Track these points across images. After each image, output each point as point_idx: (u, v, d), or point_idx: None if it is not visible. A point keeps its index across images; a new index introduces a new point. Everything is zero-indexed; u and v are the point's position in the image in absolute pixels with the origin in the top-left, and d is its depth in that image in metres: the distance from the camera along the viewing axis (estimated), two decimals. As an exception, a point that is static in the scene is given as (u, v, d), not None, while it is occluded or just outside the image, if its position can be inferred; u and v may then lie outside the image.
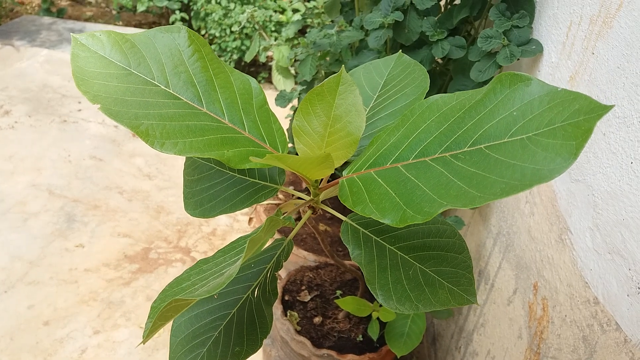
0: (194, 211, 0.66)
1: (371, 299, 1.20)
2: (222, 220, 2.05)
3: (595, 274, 0.71)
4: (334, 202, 1.52)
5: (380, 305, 1.15)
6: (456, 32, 1.15)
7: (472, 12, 1.06)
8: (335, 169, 0.57)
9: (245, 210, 2.07)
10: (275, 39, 2.86)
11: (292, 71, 2.38)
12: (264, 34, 2.27)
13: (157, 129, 0.51)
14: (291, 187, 1.64)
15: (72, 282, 1.72)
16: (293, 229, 0.67)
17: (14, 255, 1.80)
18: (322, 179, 0.64)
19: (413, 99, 0.63)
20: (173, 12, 3.42)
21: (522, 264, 0.94)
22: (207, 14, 3.08)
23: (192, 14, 3.22)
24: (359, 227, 0.62)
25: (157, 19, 3.96)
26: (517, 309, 0.95)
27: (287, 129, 1.55)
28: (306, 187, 1.64)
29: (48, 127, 2.53)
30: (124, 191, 2.15)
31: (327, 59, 1.45)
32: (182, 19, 3.36)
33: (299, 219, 1.41)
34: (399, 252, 0.60)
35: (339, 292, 1.27)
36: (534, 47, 0.93)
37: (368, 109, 0.67)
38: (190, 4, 3.23)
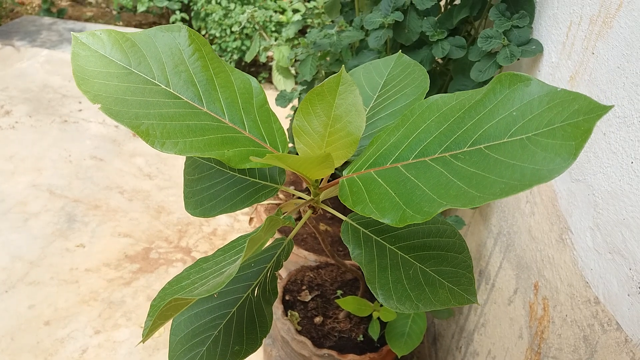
0: (194, 210, 0.66)
1: (372, 298, 1.20)
2: (223, 220, 2.05)
3: (596, 274, 0.71)
4: (335, 201, 1.52)
5: (381, 305, 1.15)
6: (456, 32, 1.15)
7: (472, 12, 1.06)
8: (336, 169, 0.57)
9: (246, 210, 2.07)
10: (276, 39, 2.86)
11: (293, 71, 2.38)
12: (264, 34, 2.27)
13: (157, 128, 0.51)
14: (291, 187, 1.64)
15: (73, 282, 1.72)
16: (293, 228, 0.67)
17: (14, 255, 1.80)
18: (322, 179, 0.64)
19: (413, 99, 0.63)
20: (173, 12, 3.42)
21: (523, 263, 0.94)
22: (207, 14, 3.08)
23: (192, 14, 3.23)
24: (359, 226, 0.62)
25: (158, 19, 3.96)
26: (517, 309, 0.95)
27: (287, 129, 1.55)
28: (306, 187, 1.64)
29: (48, 127, 2.53)
30: (124, 191, 2.16)
31: (328, 59, 1.45)
32: (183, 19, 3.36)
33: (299, 218, 1.41)
34: (399, 252, 0.60)
35: (339, 292, 1.27)
36: (534, 47, 0.93)
37: (368, 109, 0.67)
38: (191, 4, 3.23)
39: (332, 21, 1.61)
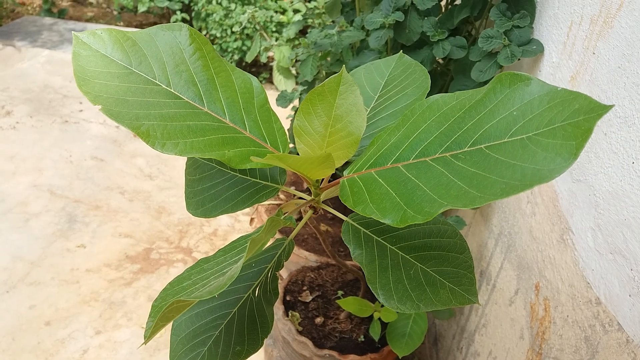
0: (195, 211, 0.66)
1: (373, 299, 1.20)
2: (224, 220, 2.05)
3: (597, 274, 0.71)
4: (335, 202, 1.52)
5: (382, 306, 1.15)
6: (457, 32, 1.15)
7: (473, 12, 1.06)
8: (336, 169, 0.57)
9: (247, 210, 2.07)
10: (276, 40, 2.86)
11: (293, 71, 2.38)
12: (264, 34, 2.27)
13: (158, 129, 0.51)
14: (292, 187, 1.64)
15: (74, 283, 1.72)
16: (294, 228, 0.66)
17: (15, 255, 1.80)
18: (323, 179, 0.64)
19: (414, 99, 0.63)
20: (174, 12, 3.42)
21: (524, 264, 0.94)
22: (208, 15, 3.08)
23: (193, 14, 3.23)
24: (360, 227, 0.62)
25: (158, 19, 3.97)
26: (518, 310, 0.95)
27: (288, 129, 1.55)
28: (307, 187, 1.64)
29: (49, 128, 2.53)
30: (125, 191, 2.16)
31: (328, 59, 1.45)
32: (183, 20, 3.36)
33: (300, 219, 1.41)
34: (400, 252, 0.59)
35: (340, 292, 1.27)
36: (534, 47, 0.93)
37: (369, 109, 0.67)
38: (191, 4, 3.23)
39: (333, 21, 1.61)
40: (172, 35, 0.58)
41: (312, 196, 0.64)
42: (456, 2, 1.16)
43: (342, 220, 0.64)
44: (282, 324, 1.18)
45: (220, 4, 3.03)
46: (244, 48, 3.00)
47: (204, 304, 0.63)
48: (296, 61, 2.03)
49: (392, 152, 0.50)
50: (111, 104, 0.51)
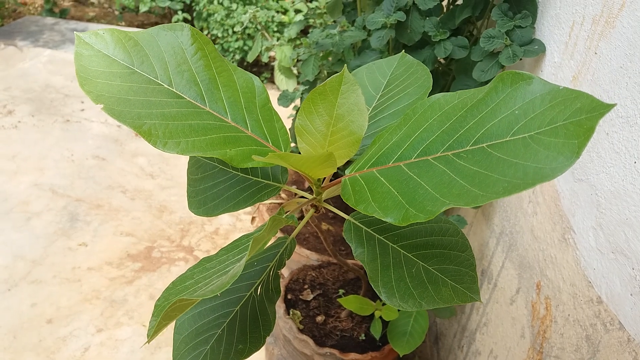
0: (197, 210, 0.66)
1: (374, 298, 1.20)
2: (225, 219, 2.06)
3: (599, 274, 0.71)
4: (336, 201, 1.52)
5: (383, 304, 1.15)
6: (458, 32, 1.15)
7: (475, 12, 1.06)
8: (338, 168, 0.57)
9: (248, 209, 2.08)
10: (278, 39, 2.86)
11: (295, 71, 2.38)
12: (266, 34, 2.27)
13: (159, 128, 0.51)
14: (294, 186, 1.64)
15: (75, 281, 1.73)
16: (296, 227, 0.67)
17: (17, 254, 1.81)
18: (324, 178, 0.64)
19: (416, 99, 0.63)
20: (175, 12, 3.42)
21: (525, 263, 0.94)
22: (209, 15, 3.08)
23: (194, 14, 3.23)
24: (361, 225, 0.63)
25: (160, 19, 3.97)
26: (520, 308, 0.95)
27: (289, 129, 1.55)
28: (309, 186, 1.64)
29: (51, 127, 2.53)
30: (126, 190, 2.16)
31: (330, 59, 1.45)
32: (185, 20, 3.37)
33: (301, 218, 1.41)
34: (402, 251, 0.60)
35: (341, 291, 1.28)
36: (536, 47, 0.93)
37: (371, 109, 0.67)
38: (193, 4, 3.23)
39: (334, 21, 1.61)
40: (174, 35, 0.58)
41: (314, 195, 0.64)
42: (458, 2, 1.16)
43: (343, 220, 0.64)
44: (284, 323, 1.18)
45: (221, 4, 3.03)
46: (246, 48, 3.00)
47: (207, 302, 0.63)
48: (298, 61, 2.03)
49: (394, 151, 0.50)
50: (113, 103, 0.51)
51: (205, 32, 3.16)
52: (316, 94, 0.52)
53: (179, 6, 3.30)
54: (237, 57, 3.03)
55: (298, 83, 2.32)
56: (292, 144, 1.43)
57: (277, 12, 3.09)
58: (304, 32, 3.02)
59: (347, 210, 0.66)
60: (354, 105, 0.52)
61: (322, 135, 0.54)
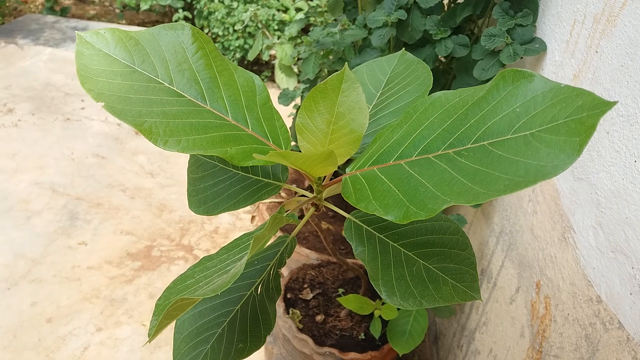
0: (197, 209, 0.66)
1: (373, 297, 1.20)
2: (225, 218, 2.06)
3: (598, 273, 0.71)
4: (336, 200, 1.52)
5: (383, 303, 1.15)
6: (459, 30, 1.15)
7: (476, 11, 1.06)
8: (338, 167, 0.57)
9: (248, 208, 2.08)
10: (278, 38, 2.86)
11: (295, 70, 2.38)
12: (267, 32, 2.27)
13: (160, 126, 0.51)
14: (294, 185, 1.64)
15: (75, 280, 1.73)
16: (296, 226, 0.67)
17: (17, 253, 1.81)
18: (325, 177, 0.64)
19: (416, 97, 0.63)
20: (176, 10, 3.42)
21: (525, 262, 0.94)
22: (210, 13, 3.08)
23: (195, 12, 3.23)
24: (362, 224, 0.63)
25: (160, 17, 3.97)
26: (519, 308, 0.95)
27: (290, 127, 1.55)
28: (309, 185, 1.64)
29: (51, 125, 2.53)
30: (126, 189, 2.16)
31: (330, 57, 1.45)
32: (185, 18, 3.37)
33: (301, 216, 1.41)
34: (403, 249, 0.60)
35: (341, 290, 1.28)
36: (537, 45, 0.93)
37: (371, 107, 0.67)
38: (193, 2, 3.23)
39: (335, 20, 1.60)
40: (175, 34, 0.58)
41: (314, 193, 0.64)
42: (459, 1, 1.16)
43: (343, 219, 0.64)
44: (283, 322, 1.18)
45: (222, 2, 3.03)
46: (246, 46, 3.00)
47: (207, 301, 0.63)
48: (298, 59, 2.03)
49: (395, 149, 0.50)
50: (114, 101, 0.51)
51: (206, 30, 3.16)
52: (317, 92, 0.52)
53: (179, 4, 3.30)
54: (238, 55, 3.03)
55: (298, 81, 2.32)
56: (293, 143, 1.43)
57: (278, 10, 3.09)
58: (305, 30, 3.03)
59: (348, 208, 0.66)
60: (354, 103, 0.52)
61: (323, 133, 0.54)
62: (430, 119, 0.49)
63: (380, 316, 1.13)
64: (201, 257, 0.55)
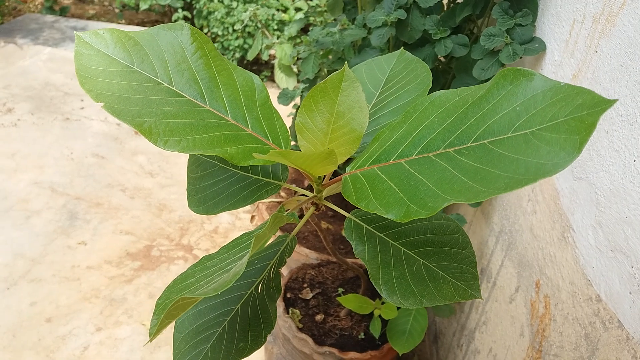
0: (197, 208, 0.66)
1: (373, 296, 1.20)
2: (224, 218, 2.06)
3: (598, 272, 0.72)
4: (336, 200, 1.52)
5: (383, 303, 1.15)
6: (459, 30, 1.15)
7: (475, 11, 1.06)
8: (338, 166, 0.57)
9: (248, 208, 2.08)
10: (278, 38, 2.86)
11: (295, 69, 2.38)
12: (266, 32, 2.27)
13: (160, 126, 0.51)
14: (293, 185, 1.64)
15: (75, 280, 1.73)
16: (296, 225, 0.67)
17: (16, 252, 1.81)
18: (325, 176, 0.64)
19: (416, 96, 0.63)
20: (175, 10, 3.42)
21: (524, 261, 0.94)
22: (209, 13, 3.08)
23: (194, 12, 3.23)
24: (362, 223, 0.63)
25: (160, 17, 3.97)
26: (519, 307, 0.95)
27: (289, 127, 1.55)
28: (309, 185, 1.64)
29: (51, 125, 2.53)
30: (126, 189, 2.16)
31: (330, 57, 1.45)
32: (185, 18, 3.36)
33: (301, 216, 1.41)
34: (403, 248, 0.60)
35: (341, 289, 1.28)
36: (536, 45, 0.93)
37: (370, 106, 0.67)
38: (193, 2, 3.23)
39: (335, 19, 1.60)
40: (174, 34, 0.58)
41: (314, 193, 0.64)
42: (458, 0, 1.16)
43: (343, 219, 0.64)
44: (283, 321, 1.18)
45: (221, 1, 3.03)
46: (246, 46, 3.00)
47: (207, 301, 0.63)
48: (298, 59, 2.03)
49: (395, 148, 0.50)
50: (113, 101, 0.51)
51: (206, 30, 3.16)
52: (317, 92, 0.52)
53: (179, 4, 3.30)
54: (237, 55, 3.03)
55: (298, 81, 2.32)
56: (293, 142, 1.43)
57: (278, 10, 3.08)
58: (304, 30, 3.02)
59: (347, 208, 0.66)
60: (354, 102, 0.52)
61: (323, 132, 0.54)
62: (430, 118, 0.49)
63: (380, 316, 1.13)
64: (202, 257, 0.55)
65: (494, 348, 1.05)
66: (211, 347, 0.60)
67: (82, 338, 1.54)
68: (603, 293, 0.70)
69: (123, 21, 3.97)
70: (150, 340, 0.44)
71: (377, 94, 0.68)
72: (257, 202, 1.59)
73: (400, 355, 1.12)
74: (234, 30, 2.99)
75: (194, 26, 0.62)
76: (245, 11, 2.86)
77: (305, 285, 1.29)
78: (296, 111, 1.70)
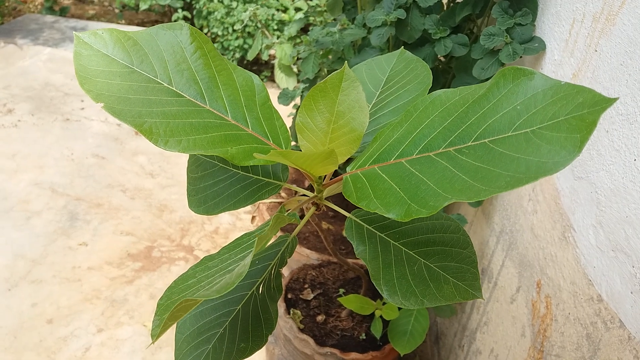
0: (197, 208, 0.66)
1: (374, 297, 1.20)
2: (225, 218, 2.05)
3: (599, 272, 0.71)
4: (337, 200, 1.52)
5: (384, 303, 1.15)
6: (459, 29, 1.15)
7: (475, 10, 1.06)
8: (338, 166, 0.57)
9: (248, 208, 2.08)
10: (278, 37, 2.86)
11: (295, 69, 2.38)
12: (266, 32, 2.27)
13: (160, 126, 0.51)
14: (294, 185, 1.64)
15: (75, 281, 1.73)
16: (297, 226, 0.67)
17: (17, 253, 1.81)
18: (325, 176, 0.64)
19: (416, 95, 0.63)
20: (175, 10, 3.42)
21: (525, 262, 0.94)
22: (209, 13, 3.08)
23: (194, 12, 3.23)
24: (363, 223, 0.62)
25: (160, 17, 3.97)
26: (520, 307, 0.95)
27: (289, 127, 1.55)
28: (309, 185, 1.64)
29: (51, 126, 2.53)
30: (126, 189, 2.16)
31: (330, 57, 1.45)
32: (185, 18, 3.36)
33: (302, 216, 1.41)
34: (404, 248, 0.60)
35: (342, 290, 1.28)
36: (536, 44, 0.93)
37: (371, 106, 0.67)
38: (193, 2, 3.23)
39: (334, 19, 1.60)
40: (173, 34, 0.58)
41: (315, 193, 0.64)
42: (458, 0, 1.16)
43: (343, 219, 0.64)
44: (284, 322, 1.18)
45: (221, 2, 3.03)
46: (246, 46, 3.00)
47: (208, 301, 0.63)
48: (298, 59, 2.03)
49: (396, 147, 0.50)
50: (113, 101, 0.51)
51: (205, 30, 3.16)
52: (317, 91, 0.52)
53: (178, 4, 3.30)
54: (237, 55, 3.03)
55: (298, 81, 2.32)
56: (293, 142, 1.43)
57: (277, 10, 3.08)
58: (304, 30, 3.02)
59: (348, 208, 0.66)
60: (354, 102, 0.52)
61: (323, 132, 0.54)
62: (430, 117, 0.49)
63: (381, 316, 1.13)
64: (203, 257, 0.55)
65: (496, 348, 1.05)
66: (212, 348, 0.60)
67: (83, 339, 1.54)
68: (604, 293, 0.70)
69: (123, 21, 3.97)
70: (153, 342, 0.44)
71: (378, 93, 0.68)
72: (258, 202, 1.59)
73: (401, 355, 1.12)
74: (234, 31, 2.99)
75: (194, 26, 0.62)
76: (245, 11, 2.86)
77: (306, 285, 1.29)
78: (296, 111, 1.70)
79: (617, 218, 0.68)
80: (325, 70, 1.47)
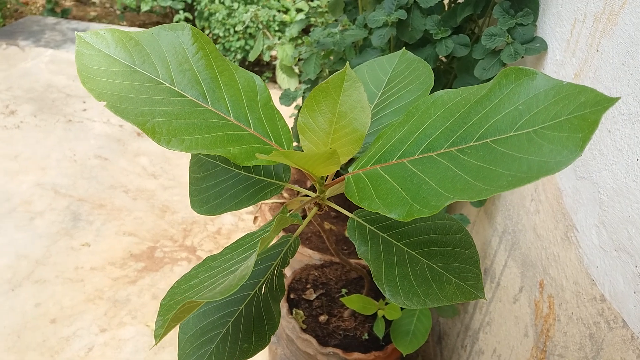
0: (200, 209, 0.66)
1: (377, 297, 1.20)
2: (227, 219, 2.06)
3: (602, 271, 0.71)
4: (339, 200, 1.52)
5: (386, 304, 1.15)
6: (460, 30, 1.15)
7: (476, 10, 1.06)
8: (340, 166, 0.57)
9: (250, 209, 2.08)
10: (279, 38, 2.87)
11: (296, 70, 2.38)
12: (267, 33, 2.27)
13: (163, 126, 0.51)
14: (296, 185, 1.63)
15: (78, 281, 1.73)
16: (299, 226, 0.67)
17: (20, 254, 1.81)
18: (327, 176, 0.64)
19: (418, 96, 0.63)
20: (177, 12, 3.43)
21: (528, 261, 0.94)
22: (210, 14, 3.08)
23: (195, 13, 3.23)
24: (365, 223, 0.63)
25: (161, 18, 3.97)
26: (523, 307, 0.95)
27: (291, 128, 1.55)
28: (311, 185, 1.64)
29: (53, 127, 2.54)
30: (129, 190, 2.16)
31: (331, 57, 1.45)
32: (186, 19, 3.37)
33: (304, 217, 1.41)
34: (406, 248, 0.60)
35: (344, 290, 1.28)
36: (538, 44, 0.93)
37: (372, 106, 0.67)
38: (194, 3, 3.23)
39: (336, 20, 1.61)
40: (175, 34, 0.58)
41: (317, 193, 0.64)
42: (459, 0, 1.16)
43: (346, 219, 0.64)
44: (286, 322, 1.18)
45: (223, 3, 3.04)
46: (247, 47, 3.00)
47: (211, 302, 0.63)
48: (299, 60, 2.03)
49: (398, 147, 0.50)
50: (116, 100, 0.51)
51: (207, 31, 3.17)
52: (318, 92, 0.52)
53: (180, 5, 3.30)
54: (239, 56, 3.03)
55: (300, 82, 2.32)
56: (295, 143, 1.43)
57: (279, 11, 3.09)
58: (306, 31, 3.03)
59: (350, 208, 0.66)
60: (356, 102, 0.52)
61: (325, 132, 0.54)
62: (432, 118, 0.49)
63: (383, 316, 1.13)
64: (205, 257, 0.55)
65: (498, 348, 1.05)
66: (215, 348, 0.60)
67: (86, 339, 1.54)
68: (607, 293, 0.70)
69: (124, 23, 3.98)
70: (157, 343, 0.44)
71: (379, 94, 0.68)
72: (260, 202, 1.59)
73: (404, 356, 1.12)
74: (235, 32, 2.99)
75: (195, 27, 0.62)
76: (246, 12, 2.87)
77: (308, 286, 1.29)
78: (298, 112, 1.70)
79: (619, 218, 0.68)
80: (327, 71, 1.47)
